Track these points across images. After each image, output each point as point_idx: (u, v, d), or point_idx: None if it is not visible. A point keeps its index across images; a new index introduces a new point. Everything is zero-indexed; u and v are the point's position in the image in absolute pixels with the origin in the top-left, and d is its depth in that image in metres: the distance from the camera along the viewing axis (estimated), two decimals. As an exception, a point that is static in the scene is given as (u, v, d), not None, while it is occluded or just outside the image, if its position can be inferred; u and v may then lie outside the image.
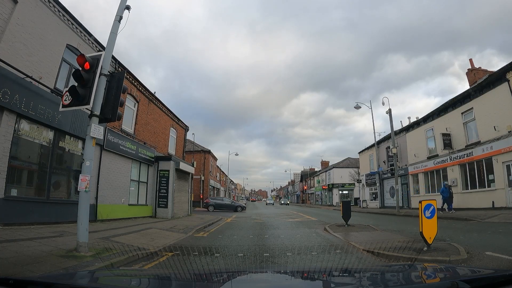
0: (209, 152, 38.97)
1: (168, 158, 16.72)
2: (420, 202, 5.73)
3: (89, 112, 5.73)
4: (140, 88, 14.95)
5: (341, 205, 12.22)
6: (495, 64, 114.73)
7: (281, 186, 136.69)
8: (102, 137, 6.59)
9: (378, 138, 29.74)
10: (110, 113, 5.78)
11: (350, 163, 46.28)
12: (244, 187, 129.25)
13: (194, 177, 23.53)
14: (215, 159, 45.39)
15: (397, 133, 24.87)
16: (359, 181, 36.04)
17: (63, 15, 9.17)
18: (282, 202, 67.59)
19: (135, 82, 14.38)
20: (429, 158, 20.99)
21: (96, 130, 5.66)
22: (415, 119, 23.47)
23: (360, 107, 26.93)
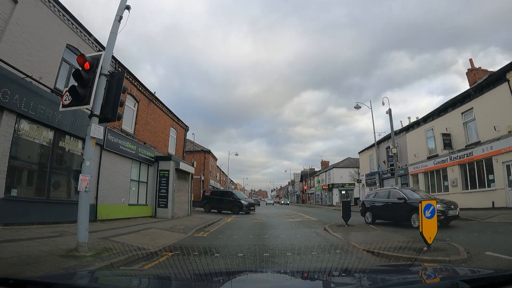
0: (209, 152, 38.97)
1: (168, 158, 16.72)
2: (420, 202, 5.73)
3: (89, 112, 5.73)
4: (140, 88, 14.96)
5: (341, 205, 12.23)
6: (499, 62, 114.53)
7: (281, 186, 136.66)
8: (102, 137, 6.59)
9: (379, 138, 29.75)
10: (110, 113, 5.78)
11: (350, 163, 46.28)
12: (244, 187, 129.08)
13: (194, 177, 23.52)
14: (215, 159, 45.41)
15: (397, 133, 24.86)
16: (359, 181, 36.04)
17: (63, 15, 9.17)
18: (282, 202, 67.59)
19: (135, 82, 14.39)
20: (429, 158, 20.99)
21: (96, 130, 5.66)
22: (416, 119, 23.48)
23: (360, 107, 26.91)
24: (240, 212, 20.96)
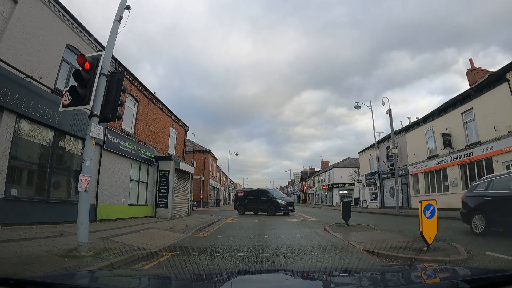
0: (209, 152, 39.01)
1: (168, 158, 16.72)
2: (420, 202, 5.74)
3: (89, 112, 5.73)
4: (140, 88, 14.96)
5: (341, 205, 12.22)
6: (500, 61, 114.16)
7: (281, 186, 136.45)
8: (102, 137, 6.59)
9: (379, 138, 29.79)
10: (110, 113, 5.78)
11: (350, 163, 46.31)
12: (244, 187, 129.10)
13: (194, 177, 23.54)
14: (215, 159, 45.43)
15: (397, 133, 24.88)
16: (359, 181, 36.07)
17: (63, 15, 9.17)
18: (282, 202, 67.59)
19: (135, 82, 14.39)
20: (429, 158, 21.00)
21: (96, 130, 5.66)
22: (416, 119, 23.50)
23: (360, 107, 26.94)
24: (277, 213, 18.78)
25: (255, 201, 20.60)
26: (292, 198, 28.23)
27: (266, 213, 19.18)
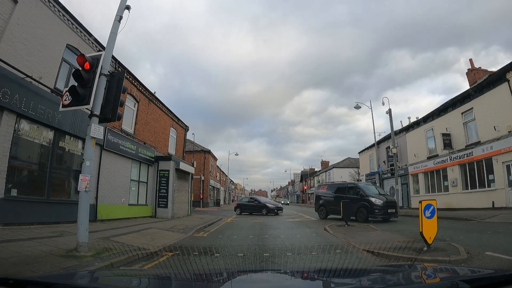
0: (209, 152, 38.98)
1: (168, 158, 16.72)
2: (420, 202, 5.73)
3: (89, 112, 5.73)
4: (140, 88, 14.96)
5: (341, 205, 12.20)
6: (501, 61, 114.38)
7: (281, 186, 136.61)
8: (102, 137, 6.59)
9: (379, 138, 29.76)
10: (110, 113, 5.78)
11: (350, 163, 46.32)
12: (244, 187, 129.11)
13: (194, 177, 23.54)
14: (215, 159, 45.41)
15: (397, 133, 24.86)
16: (359, 181, 36.07)
17: (63, 15, 9.17)
18: (282, 202, 67.64)
19: (135, 82, 14.39)
20: (429, 158, 20.99)
21: (96, 130, 5.66)
22: (416, 119, 23.49)
23: (360, 107, 26.90)
24: (369, 218, 13.14)
25: (341, 200, 14.45)
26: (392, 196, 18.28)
27: (354, 217, 13.21)
